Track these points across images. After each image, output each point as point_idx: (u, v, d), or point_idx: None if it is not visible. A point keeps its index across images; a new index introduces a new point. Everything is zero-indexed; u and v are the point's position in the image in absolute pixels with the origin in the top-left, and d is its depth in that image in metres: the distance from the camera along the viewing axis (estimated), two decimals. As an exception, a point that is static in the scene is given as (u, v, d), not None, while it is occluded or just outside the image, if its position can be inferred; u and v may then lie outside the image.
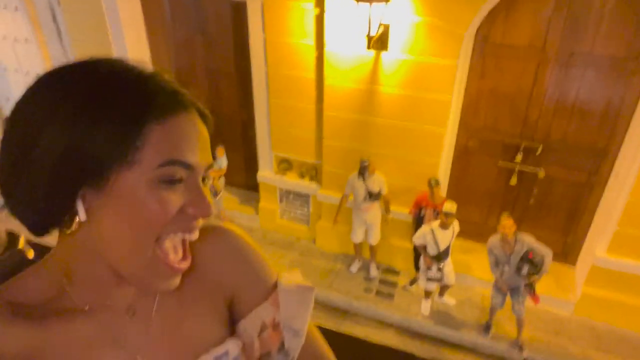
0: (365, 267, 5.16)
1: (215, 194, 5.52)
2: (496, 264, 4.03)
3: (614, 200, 4.19)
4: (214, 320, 0.77)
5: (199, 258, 0.74)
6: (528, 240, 3.88)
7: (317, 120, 4.86)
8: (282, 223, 5.72)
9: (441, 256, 4.23)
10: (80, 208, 0.58)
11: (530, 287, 3.99)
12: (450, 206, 4.04)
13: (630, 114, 4.06)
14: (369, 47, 4.08)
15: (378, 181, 4.51)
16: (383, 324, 4.66)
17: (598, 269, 4.34)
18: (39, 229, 0.63)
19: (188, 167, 0.61)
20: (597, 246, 4.36)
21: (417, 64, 4.11)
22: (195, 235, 0.67)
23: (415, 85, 4.21)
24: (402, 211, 4.73)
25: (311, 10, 4.29)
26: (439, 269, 4.32)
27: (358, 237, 4.89)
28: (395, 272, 5.17)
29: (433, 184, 4.31)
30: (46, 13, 5.40)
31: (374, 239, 4.85)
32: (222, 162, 5.39)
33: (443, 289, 4.64)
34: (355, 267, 5.17)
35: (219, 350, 0.75)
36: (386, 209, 4.72)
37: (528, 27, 4.04)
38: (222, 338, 0.77)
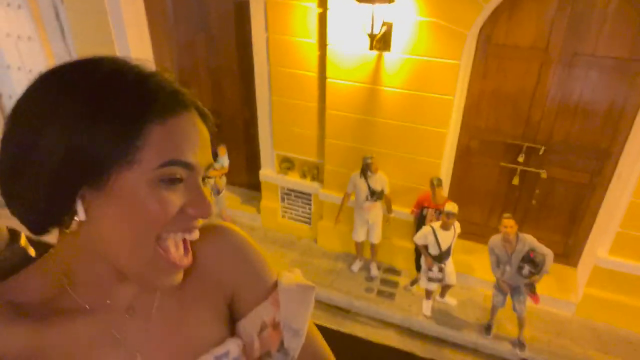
0: (366, 267, 5.16)
1: (217, 192, 5.53)
2: (497, 263, 4.03)
3: (617, 202, 4.18)
4: (214, 320, 0.77)
5: (199, 257, 0.74)
6: (529, 240, 3.88)
7: (320, 119, 4.86)
8: (283, 222, 5.72)
9: (442, 256, 4.23)
10: (80, 208, 0.58)
11: (531, 287, 3.98)
12: (451, 207, 4.04)
13: (633, 115, 4.05)
14: (371, 47, 4.08)
15: (381, 180, 4.50)
16: (384, 323, 4.66)
17: (600, 269, 4.33)
18: (38, 228, 0.62)
19: (188, 167, 0.61)
20: (599, 247, 4.35)
21: (419, 64, 4.11)
22: (195, 235, 0.67)
23: (418, 85, 4.20)
24: (404, 211, 4.72)
25: (314, 9, 4.29)
26: (440, 269, 4.32)
27: (360, 236, 4.88)
28: (396, 272, 5.17)
29: (435, 183, 4.31)
30: (49, 11, 5.41)
31: (376, 238, 4.85)
32: (224, 160, 5.40)
33: (444, 289, 4.63)
34: (356, 267, 5.16)
35: (220, 350, 0.75)
36: (388, 209, 4.72)
37: (531, 27, 4.03)
38: (222, 337, 0.77)
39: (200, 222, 0.67)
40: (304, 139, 5.06)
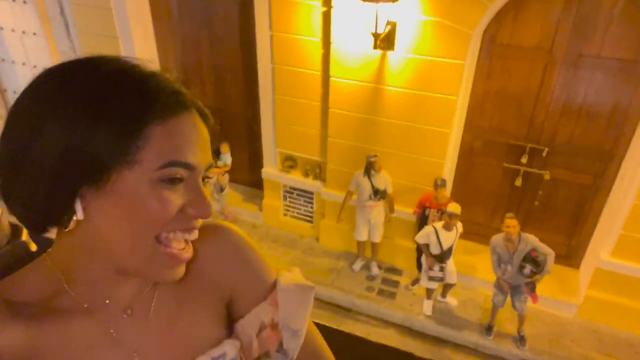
0: (367, 266, 5.16)
1: (221, 189, 5.55)
2: (499, 262, 4.03)
3: (620, 204, 4.17)
4: (212, 320, 0.77)
5: (198, 257, 0.74)
6: (532, 240, 3.89)
7: (323, 118, 4.85)
8: (285, 220, 5.72)
9: (444, 256, 4.23)
10: (79, 207, 0.58)
11: (532, 286, 3.99)
12: (454, 207, 4.03)
13: (638, 117, 4.03)
14: (375, 46, 4.07)
15: (384, 180, 4.50)
16: (385, 322, 4.66)
17: (602, 271, 4.32)
18: (37, 227, 0.63)
19: (189, 167, 0.61)
20: (601, 249, 4.34)
21: (423, 64, 4.10)
22: (194, 235, 0.67)
23: (421, 84, 4.19)
24: (406, 210, 4.72)
25: (318, 8, 4.28)
26: (441, 269, 4.31)
27: (362, 235, 4.88)
28: (397, 272, 5.17)
29: (439, 184, 4.31)
30: (54, 7, 5.42)
31: (377, 237, 4.85)
32: (227, 158, 5.40)
33: (445, 289, 4.63)
34: (357, 266, 5.17)
35: (217, 351, 0.74)
36: (390, 209, 4.71)
37: (536, 28, 4.01)
38: (220, 338, 0.77)
39: (200, 222, 0.67)
40: (306, 137, 5.06)
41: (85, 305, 0.66)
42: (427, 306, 4.63)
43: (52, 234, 0.65)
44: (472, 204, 4.83)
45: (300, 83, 4.74)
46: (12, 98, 6.44)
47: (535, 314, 4.53)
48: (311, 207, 5.50)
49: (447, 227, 4.11)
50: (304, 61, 4.61)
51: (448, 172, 4.70)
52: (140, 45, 5.27)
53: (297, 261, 5.26)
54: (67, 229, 0.60)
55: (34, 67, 6.06)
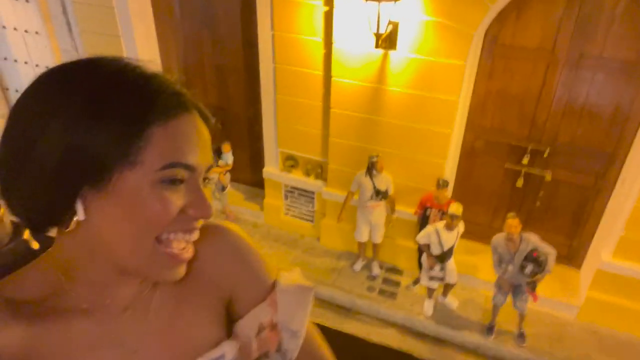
0: (368, 266, 5.16)
1: (222, 188, 5.55)
2: (499, 262, 4.03)
3: (621, 205, 4.16)
4: (212, 320, 0.77)
5: (198, 258, 0.74)
6: (533, 240, 3.89)
7: (324, 118, 4.85)
8: (286, 220, 5.72)
9: (444, 256, 4.22)
10: (79, 207, 0.58)
11: (533, 285, 3.99)
12: (456, 208, 4.03)
13: (639, 118, 4.02)
14: (377, 46, 4.07)
15: (386, 180, 4.50)
16: (385, 322, 4.66)
17: (603, 273, 4.31)
18: (37, 227, 0.63)
19: (189, 168, 0.61)
20: (602, 250, 4.33)
21: (425, 64, 4.10)
22: (195, 236, 0.68)
23: (423, 85, 4.19)
24: (407, 210, 4.72)
25: (320, 7, 4.28)
26: (442, 268, 4.31)
27: (363, 236, 4.88)
28: (398, 272, 5.16)
29: (441, 184, 4.31)
30: (56, 5, 5.42)
31: (378, 237, 4.85)
32: (229, 157, 5.41)
33: (446, 289, 4.62)
34: (358, 266, 5.16)
35: (215, 353, 0.75)
36: (391, 210, 4.71)
37: (538, 28, 4.01)
38: (219, 338, 0.77)
39: (201, 223, 0.67)
40: (308, 137, 5.07)
41: (85, 305, 0.66)
42: (428, 306, 4.63)
43: (53, 232, 0.65)
44: (473, 204, 4.82)
45: (302, 83, 4.74)
46: (14, 97, 6.45)
47: (535, 315, 4.52)
48: (312, 207, 5.50)
49: (449, 228, 4.11)
50: (305, 61, 4.62)
51: (449, 172, 4.70)
52: (142, 45, 5.27)
53: (297, 261, 5.26)
54: (68, 229, 0.60)
55: (36, 66, 6.07)
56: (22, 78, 6.24)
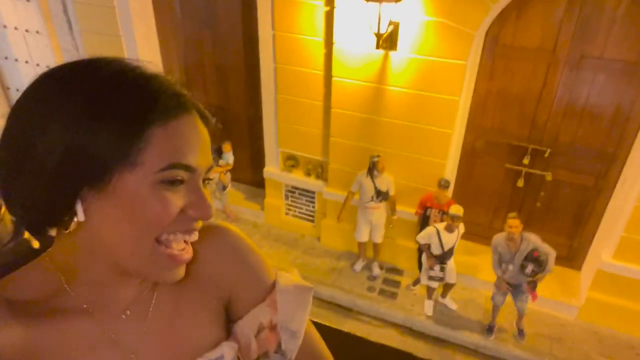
0: (368, 266, 5.16)
1: (223, 188, 5.56)
2: (499, 262, 4.03)
3: (621, 205, 4.16)
4: (211, 321, 0.77)
5: (197, 258, 0.74)
6: (533, 239, 3.89)
7: (325, 118, 4.85)
8: (287, 220, 5.73)
9: (445, 256, 4.23)
10: (79, 208, 0.58)
11: (533, 284, 3.99)
12: (457, 210, 4.03)
13: (640, 118, 4.03)
14: (377, 46, 4.07)
15: (387, 181, 4.49)
16: (386, 322, 4.66)
17: (603, 273, 4.31)
18: (37, 228, 0.63)
19: (189, 169, 0.61)
20: (603, 251, 4.33)
21: (425, 64, 4.09)
22: (195, 237, 0.68)
23: (424, 85, 4.19)
24: (408, 210, 4.72)
25: (321, 7, 4.28)
26: (442, 269, 4.31)
27: (363, 236, 4.88)
28: (398, 272, 5.17)
29: (443, 184, 4.31)
30: (57, 5, 5.42)
31: (379, 238, 4.85)
32: (229, 157, 5.42)
33: (446, 289, 4.62)
34: (359, 266, 5.16)
35: (214, 354, 0.75)
36: (392, 211, 4.71)
37: (539, 29, 4.01)
38: (218, 339, 0.77)
39: (200, 223, 0.67)
40: (308, 137, 5.07)
41: (85, 306, 0.66)
42: (428, 306, 4.63)
43: (53, 232, 0.65)
44: (473, 204, 4.82)
45: (302, 83, 4.74)
46: (15, 96, 6.45)
47: (536, 315, 4.52)
48: (313, 207, 5.50)
49: (449, 229, 4.11)
50: (306, 61, 4.62)
51: (450, 172, 4.70)
52: (142, 44, 5.27)
53: (298, 261, 5.26)
54: (68, 231, 0.60)
55: (37, 65, 6.08)
56: (22, 77, 6.24)
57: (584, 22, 3.86)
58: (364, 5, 3.84)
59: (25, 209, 0.60)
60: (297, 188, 5.46)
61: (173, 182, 0.60)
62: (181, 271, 0.67)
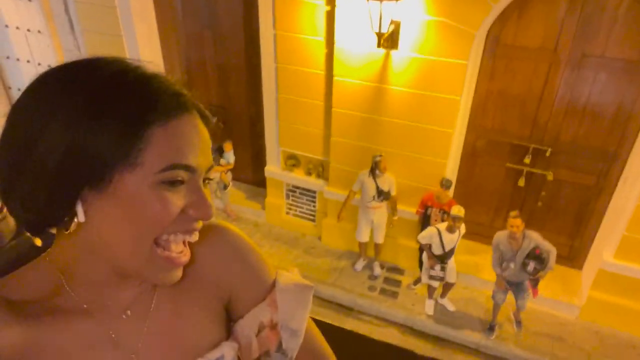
0: (369, 266, 5.16)
1: (224, 187, 5.56)
2: (500, 260, 4.03)
3: (623, 205, 4.16)
4: (212, 321, 0.77)
5: (197, 258, 0.74)
6: (535, 237, 3.90)
7: (326, 117, 4.86)
8: (288, 219, 5.73)
9: (445, 256, 4.22)
10: (79, 209, 0.58)
11: (536, 281, 3.99)
12: (458, 210, 4.03)
13: (642, 118, 4.02)
14: (379, 45, 4.07)
15: (388, 181, 4.49)
16: (386, 322, 4.67)
17: (605, 273, 4.30)
18: (37, 229, 0.63)
19: (190, 169, 0.61)
20: (604, 250, 4.33)
21: (426, 63, 4.09)
22: (195, 237, 0.68)
23: (425, 84, 4.19)
24: (409, 210, 4.72)
25: (322, 7, 4.28)
26: (442, 268, 4.31)
27: (364, 237, 4.88)
28: (399, 271, 5.17)
29: (444, 184, 4.31)
30: (58, 4, 5.43)
31: (380, 237, 4.85)
32: (230, 156, 5.42)
33: (446, 289, 4.62)
34: (359, 266, 5.17)
35: (215, 354, 0.75)
36: (393, 211, 4.71)
37: (540, 28, 4.00)
38: (219, 339, 0.77)
39: (200, 224, 0.67)
40: (309, 136, 5.07)
41: (85, 306, 0.66)
42: (429, 306, 4.63)
43: (54, 231, 0.65)
44: (474, 204, 4.82)
45: (303, 82, 4.74)
46: (16, 96, 6.35)
47: (537, 315, 4.52)
48: (314, 206, 5.51)
49: (450, 229, 4.11)
50: (307, 60, 4.62)
51: (451, 172, 4.69)
52: (144, 44, 5.28)
53: (299, 260, 5.27)
54: (68, 231, 0.60)
55: (39, 64, 6.08)
56: (24, 77, 6.25)
57: (585, 21, 3.85)
58: (365, 5, 3.84)
59: (25, 209, 0.60)
60: (298, 187, 5.46)
61: (173, 183, 0.60)
62: (178, 274, 0.67)
